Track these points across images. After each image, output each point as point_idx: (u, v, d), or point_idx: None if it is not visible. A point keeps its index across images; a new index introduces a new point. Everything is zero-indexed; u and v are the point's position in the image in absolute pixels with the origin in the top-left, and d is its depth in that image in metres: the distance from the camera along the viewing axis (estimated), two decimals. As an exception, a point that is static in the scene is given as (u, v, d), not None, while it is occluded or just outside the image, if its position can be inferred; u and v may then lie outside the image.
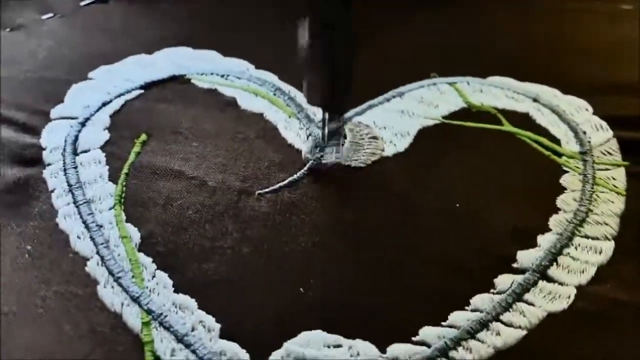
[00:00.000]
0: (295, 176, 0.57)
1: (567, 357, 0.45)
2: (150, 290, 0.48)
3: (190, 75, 0.66)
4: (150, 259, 0.50)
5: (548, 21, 0.76)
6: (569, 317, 0.47)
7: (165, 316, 0.47)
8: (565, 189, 0.56)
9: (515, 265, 0.51)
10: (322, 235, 0.53)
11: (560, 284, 0.49)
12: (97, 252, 0.51)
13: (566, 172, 0.58)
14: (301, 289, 0.49)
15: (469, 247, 0.52)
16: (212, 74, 0.67)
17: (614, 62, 0.70)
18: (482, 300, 0.48)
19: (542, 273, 0.50)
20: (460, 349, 0.46)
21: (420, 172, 0.58)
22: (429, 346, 0.46)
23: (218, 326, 0.46)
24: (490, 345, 0.46)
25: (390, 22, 0.75)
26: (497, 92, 0.65)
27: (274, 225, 0.53)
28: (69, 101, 0.63)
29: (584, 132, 0.61)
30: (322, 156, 0.58)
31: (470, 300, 0.48)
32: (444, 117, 0.63)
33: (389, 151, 0.60)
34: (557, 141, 0.60)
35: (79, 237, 0.52)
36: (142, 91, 0.65)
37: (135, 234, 0.52)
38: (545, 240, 0.52)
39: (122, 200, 0.54)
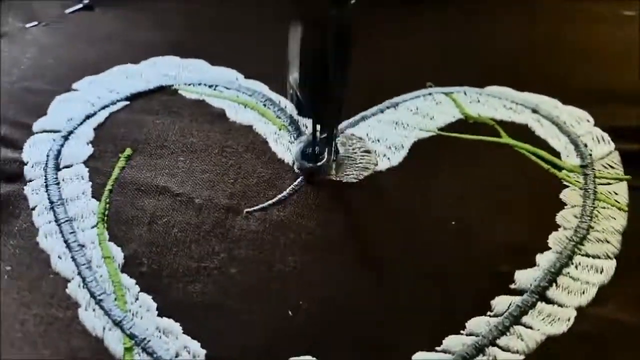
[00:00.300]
0: (284, 193, 0.55)
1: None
2: (133, 314, 0.47)
3: (178, 86, 0.65)
4: (133, 281, 0.49)
5: (549, 28, 0.74)
6: (568, 341, 0.46)
7: (149, 341, 0.45)
8: (565, 205, 0.55)
9: (512, 285, 0.49)
10: (312, 255, 0.51)
11: (560, 305, 0.48)
12: (79, 273, 0.49)
13: (566, 186, 0.56)
14: (290, 312, 0.47)
15: (465, 266, 0.51)
16: (200, 84, 0.65)
17: (616, 70, 0.68)
18: (478, 324, 0.47)
19: (540, 294, 0.48)
20: (455, 375, 0.44)
21: (415, 187, 0.56)
22: (423, 373, 0.44)
23: (203, 352, 0.45)
24: (487, 372, 0.44)
25: (384, 29, 0.73)
26: (495, 103, 0.64)
27: (263, 244, 0.52)
28: (52, 113, 0.61)
29: (585, 145, 0.59)
30: (313, 171, 0.56)
31: (466, 324, 0.47)
32: (440, 129, 0.61)
33: (383, 165, 0.58)
34: (557, 154, 0.59)
35: (60, 257, 0.50)
36: (128, 102, 0.63)
37: (118, 254, 0.50)
38: (544, 260, 0.51)
39: (105, 218, 0.53)
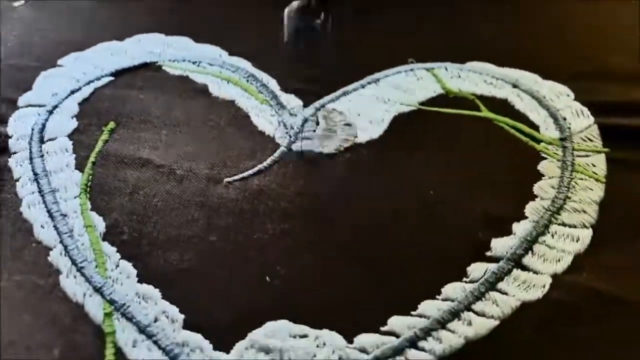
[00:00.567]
0: (264, 163, 0.55)
1: (541, 348, 0.44)
2: (113, 281, 0.47)
3: (162, 62, 0.65)
4: (114, 249, 0.49)
5: (529, 5, 0.74)
6: (543, 307, 0.46)
7: (128, 307, 0.46)
8: (543, 176, 0.55)
9: (489, 253, 0.49)
10: (290, 222, 0.51)
11: (535, 272, 0.48)
12: (61, 242, 0.49)
13: (544, 158, 0.56)
14: (267, 277, 0.48)
15: (442, 234, 0.51)
16: (184, 60, 0.65)
17: (597, 47, 0.68)
18: (453, 289, 0.47)
19: (516, 261, 0.49)
20: (430, 339, 0.44)
21: (394, 159, 0.57)
22: (397, 336, 0.44)
23: (182, 317, 0.45)
24: (461, 336, 0.44)
25: (366, 6, 0.73)
26: (476, 78, 0.64)
27: (242, 212, 0.52)
28: (37, 89, 0.62)
29: (564, 118, 0.60)
30: (293, 142, 0.57)
31: (442, 289, 0.47)
32: (421, 104, 0.61)
33: (363, 138, 0.58)
34: (536, 127, 0.59)
35: (42, 227, 0.50)
36: (112, 78, 0.63)
37: (100, 223, 0.51)
38: (520, 228, 0.51)
39: (88, 189, 0.53)
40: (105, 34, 0.69)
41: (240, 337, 0.44)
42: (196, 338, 0.44)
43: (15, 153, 0.56)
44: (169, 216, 0.51)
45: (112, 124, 0.58)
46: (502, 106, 0.61)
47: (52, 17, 0.72)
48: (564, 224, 0.51)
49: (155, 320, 0.45)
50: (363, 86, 0.64)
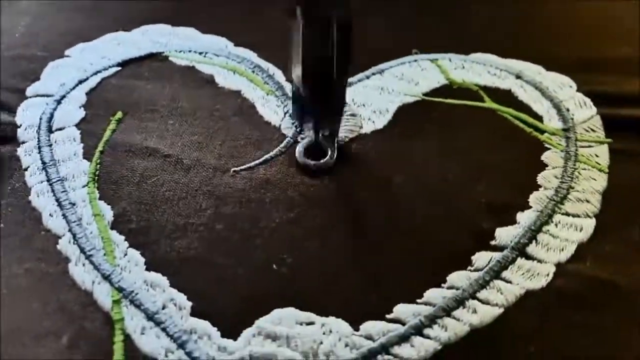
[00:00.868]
0: (271, 153, 0.56)
1: (544, 335, 0.45)
2: (121, 268, 0.47)
3: (168, 53, 0.65)
4: (122, 237, 0.50)
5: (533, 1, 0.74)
6: (547, 295, 0.47)
7: (136, 294, 0.46)
8: (547, 166, 0.55)
9: (493, 242, 0.50)
10: (296, 211, 0.52)
11: (539, 261, 0.49)
12: (70, 230, 0.50)
13: (548, 149, 0.57)
14: (274, 265, 0.48)
15: (447, 224, 0.51)
16: (190, 51, 0.66)
17: (600, 39, 0.69)
18: (458, 278, 0.48)
19: (520, 250, 0.49)
20: (435, 326, 0.45)
21: (398, 149, 0.57)
22: (403, 324, 0.45)
23: (189, 304, 0.46)
24: (466, 323, 0.45)
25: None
26: (480, 69, 0.64)
27: (248, 201, 0.52)
28: (45, 79, 0.62)
29: (567, 109, 0.60)
30: (299, 133, 0.57)
31: (447, 278, 0.47)
32: (425, 94, 0.62)
33: (367, 128, 0.59)
34: (539, 118, 0.59)
35: (51, 215, 0.51)
36: (119, 68, 0.64)
37: (108, 211, 0.51)
38: (524, 218, 0.51)
39: (96, 178, 0.54)
40: (112, 24, 0.69)
41: (247, 325, 0.45)
42: (204, 325, 0.44)
43: (23, 142, 0.56)
44: (177, 205, 0.52)
45: (119, 114, 0.59)
46: (505, 97, 0.61)
47: (59, 6, 0.72)
48: (567, 214, 0.52)
49: (164, 307, 0.45)
50: (367, 77, 0.64)
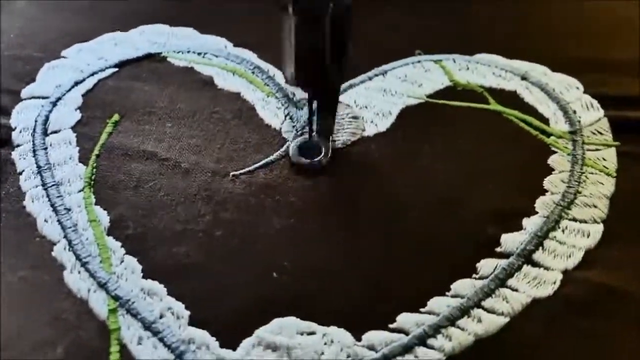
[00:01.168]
0: (271, 157, 0.55)
1: (551, 345, 0.44)
2: (118, 276, 0.47)
3: (166, 53, 0.64)
4: (119, 244, 0.49)
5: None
6: (554, 303, 0.46)
7: (133, 303, 0.45)
8: (553, 170, 0.54)
9: (499, 249, 0.49)
10: (297, 217, 0.51)
11: (546, 268, 0.48)
12: (65, 236, 0.49)
13: (554, 152, 0.56)
14: (274, 273, 0.47)
15: (451, 230, 0.50)
16: (188, 51, 0.65)
17: (606, 39, 0.68)
18: (463, 286, 0.47)
19: (526, 257, 0.48)
20: (439, 336, 0.44)
21: (402, 152, 0.56)
22: (406, 333, 0.44)
23: (187, 313, 0.45)
24: (471, 333, 0.44)
25: None
26: (484, 70, 0.63)
27: (248, 207, 0.51)
28: (40, 80, 0.61)
29: (574, 111, 0.59)
30: (300, 136, 0.56)
31: (451, 286, 0.46)
32: (428, 96, 0.61)
33: (370, 131, 0.58)
34: (545, 120, 0.58)
35: (46, 221, 0.50)
36: (116, 70, 0.63)
37: (104, 217, 0.50)
38: (531, 223, 0.50)
39: (92, 182, 0.53)
40: (109, 24, 0.68)
41: (246, 334, 0.44)
42: (202, 335, 0.44)
43: (18, 146, 0.55)
44: (175, 210, 0.51)
45: (116, 116, 0.58)
46: (511, 99, 0.60)
47: (55, 6, 0.71)
48: (574, 219, 0.51)
49: (161, 316, 0.44)
50: (370, 78, 0.63)
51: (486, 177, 0.54)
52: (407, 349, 0.43)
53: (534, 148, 0.56)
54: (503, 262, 0.48)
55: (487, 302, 0.46)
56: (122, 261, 0.48)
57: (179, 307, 0.45)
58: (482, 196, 0.52)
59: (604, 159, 0.55)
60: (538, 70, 0.63)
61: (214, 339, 0.43)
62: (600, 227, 0.50)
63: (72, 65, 0.63)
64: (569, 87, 0.61)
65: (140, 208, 0.51)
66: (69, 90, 0.60)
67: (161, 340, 0.43)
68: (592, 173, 0.54)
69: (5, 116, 0.58)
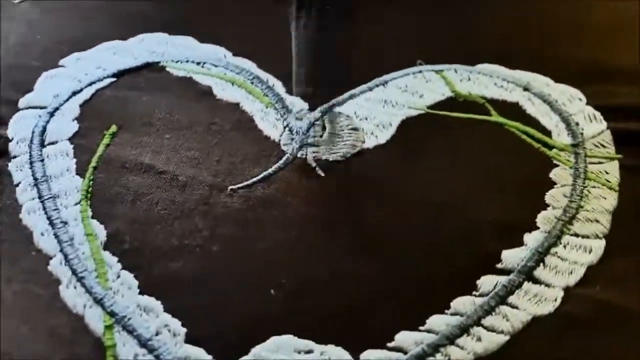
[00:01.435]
0: (269, 170, 0.54)
1: (553, 364, 0.43)
2: (114, 292, 0.46)
3: (165, 63, 0.64)
4: (115, 258, 0.48)
5: (541, 5, 0.72)
6: (555, 321, 0.45)
7: (129, 319, 0.45)
8: (555, 184, 0.54)
9: (499, 265, 0.48)
10: (296, 232, 0.50)
11: (547, 285, 0.47)
12: (61, 250, 0.49)
13: (556, 165, 0.55)
14: (272, 290, 0.47)
15: (451, 245, 0.50)
16: (187, 61, 0.64)
17: (609, 48, 0.66)
18: (463, 303, 0.46)
19: (527, 274, 0.48)
20: (438, 355, 0.44)
21: (402, 165, 0.55)
22: (405, 352, 0.44)
23: (184, 330, 0.44)
24: (470, 352, 0.44)
25: (373, 8, 0.71)
26: (486, 81, 0.62)
27: (246, 222, 0.51)
28: (38, 90, 0.60)
29: (577, 123, 0.58)
30: (299, 149, 0.56)
31: (451, 303, 0.46)
32: (429, 107, 0.60)
33: (370, 143, 0.57)
34: (547, 133, 0.58)
35: (42, 234, 0.49)
36: (114, 79, 0.62)
37: (101, 231, 0.50)
38: (532, 239, 0.50)
39: (89, 195, 0.52)
40: (108, 32, 0.67)
41: (243, 353, 0.43)
42: (198, 353, 0.43)
43: (15, 157, 0.55)
44: (172, 225, 0.50)
45: (113, 128, 0.57)
46: (513, 110, 0.59)
47: (53, 14, 0.70)
48: (576, 235, 0.50)
49: (157, 333, 0.44)
50: (370, 89, 0.62)
51: (487, 191, 0.53)
52: (406, 368, 0.42)
53: (535, 161, 0.56)
54: (503, 279, 0.47)
55: (487, 320, 0.45)
56: (118, 276, 0.47)
57: (176, 324, 0.45)
58: (483, 210, 0.52)
59: (607, 172, 0.54)
60: (540, 81, 0.62)
61: (211, 357, 0.43)
62: (602, 243, 0.50)
63: (71, 74, 0.62)
64: (571, 98, 0.60)
65: (137, 222, 0.50)
66: (67, 100, 0.59)
67: (157, 357, 0.43)
68: (594, 187, 0.53)
69: (3, 126, 0.57)
